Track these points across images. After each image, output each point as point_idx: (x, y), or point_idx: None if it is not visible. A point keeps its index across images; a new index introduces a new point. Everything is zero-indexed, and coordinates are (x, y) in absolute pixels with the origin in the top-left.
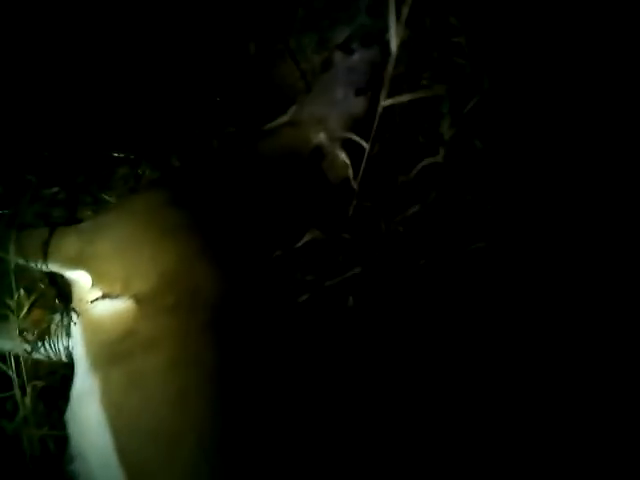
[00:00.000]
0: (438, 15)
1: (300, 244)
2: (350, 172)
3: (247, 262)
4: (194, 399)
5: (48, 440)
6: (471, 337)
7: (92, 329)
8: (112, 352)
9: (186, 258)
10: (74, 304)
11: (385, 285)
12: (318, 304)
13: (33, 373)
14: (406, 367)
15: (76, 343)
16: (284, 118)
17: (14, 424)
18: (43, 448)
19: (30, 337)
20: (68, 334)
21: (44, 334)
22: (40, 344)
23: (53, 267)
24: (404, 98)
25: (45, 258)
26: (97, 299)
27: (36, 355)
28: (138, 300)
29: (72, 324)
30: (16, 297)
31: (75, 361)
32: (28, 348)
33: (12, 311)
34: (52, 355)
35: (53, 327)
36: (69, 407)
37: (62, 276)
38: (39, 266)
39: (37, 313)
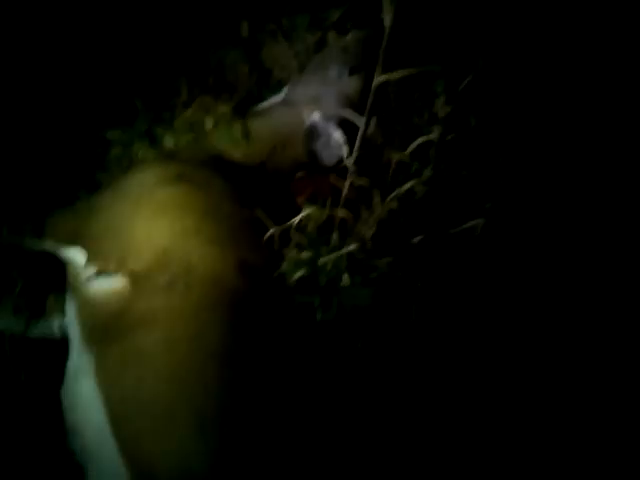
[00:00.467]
0: None
1: (295, 221)
2: (345, 150)
3: (242, 240)
4: (191, 376)
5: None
6: (466, 325)
7: (86, 307)
8: (107, 329)
9: (181, 237)
10: (68, 282)
11: (380, 263)
12: (312, 281)
13: (28, 350)
14: (400, 355)
15: (70, 320)
16: (277, 98)
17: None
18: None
19: (25, 313)
20: (62, 311)
21: (39, 311)
22: (35, 321)
23: (47, 245)
24: (398, 74)
25: (40, 236)
26: (91, 277)
27: (31, 333)
28: (133, 278)
29: (66, 301)
30: (10, 273)
31: (69, 338)
32: (22, 326)
33: (6, 287)
34: (46, 332)
35: (47, 305)
36: (64, 383)
37: (56, 254)
38: (33, 244)
39: (32, 289)
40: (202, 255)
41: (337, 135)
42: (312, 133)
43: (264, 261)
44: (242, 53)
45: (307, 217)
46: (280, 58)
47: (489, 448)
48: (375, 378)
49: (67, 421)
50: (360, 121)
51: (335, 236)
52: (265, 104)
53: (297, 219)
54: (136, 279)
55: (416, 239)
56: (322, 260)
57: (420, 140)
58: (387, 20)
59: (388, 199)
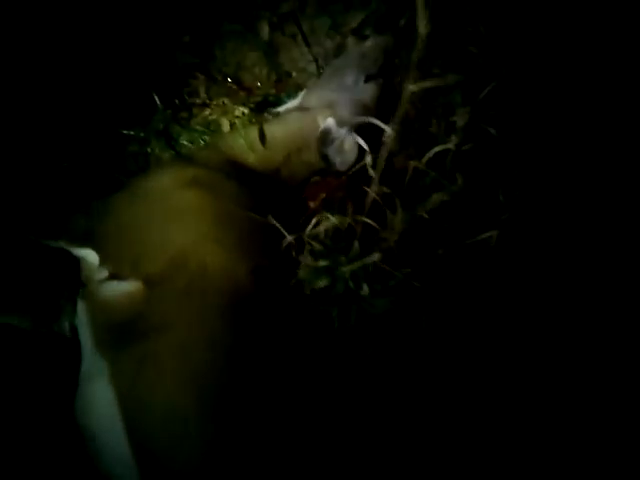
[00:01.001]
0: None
1: (312, 229)
2: (354, 156)
3: (257, 246)
4: (206, 381)
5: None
6: (479, 335)
7: (100, 308)
8: (121, 332)
9: (196, 242)
10: (81, 282)
11: (400, 274)
12: (331, 290)
13: (38, 349)
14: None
15: (82, 321)
16: (294, 102)
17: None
18: (46, 424)
19: (36, 312)
20: (74, 311)
21: (51, 310)
22: (46, 320)
23: (61, 244)
24: (430, 83)
25: (55, 235)
26: (105, 278)
27: (42, 331)
28: (147, 282)
29: (79, 302)
30: (25, 269)
31: (81, 340)
32: (34, 323)
33: (20, 283)
34: (57, 332)
35: (60, 304)
36: (76, 385)
37: (71, 253)
38: (49, 242)
39: (45, 288)
40: (218, 261)
41: (351, 140)
42: (326, 138)
43: (279, 267)
44: (261, 55)
45: (322, 223)
46: (298, 61)
47: (490, 448)
48: (384, 384)
49: (79, 424)
50: (385, 129)
51: (356, 245)
52: (281, 108)
53: (311, 225)
54: (151, 283)
55: (438, 251)
56: (342, 269)
57: (437, 149)
58: (421, 27)
59: (411, 210)
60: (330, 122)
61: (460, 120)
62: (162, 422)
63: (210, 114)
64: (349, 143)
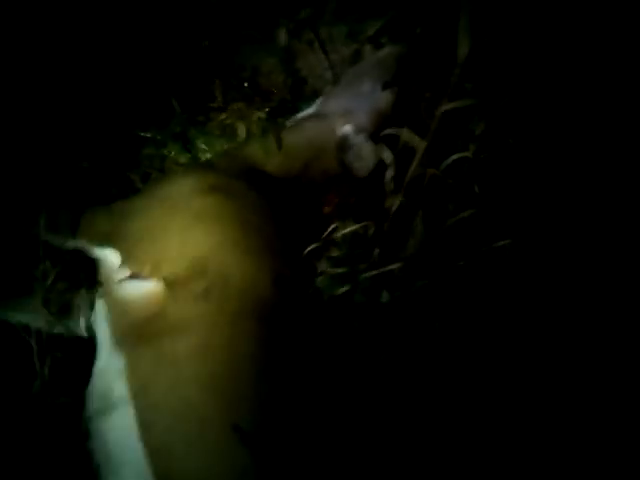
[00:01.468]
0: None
1: (330, 235)
2: (373, 162)
3: (277, 253)
4: (224, 384)
5: (63, 413)
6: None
7: (119, 308)
8: (140, 332)
9: (217, 247)
10: (99, 282)
11: (419, 282)
12: (351, 297)
13: (53, 345)
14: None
15: (100, 320)
16: (311, 109)
17: (30, 394)
18: (58, 420)
19: (53, 309)
20: (91, 310)
21: (67, 307)
22: (62, 317)
23: (82, 244)
24: (463, 103)
25: (74, 235)
26: (125, 279)
27: (57, 328)
28: (168, 283)
29: (97, 301)
30: (42, 267)
31: (97, 338)
32: (50, 319)
33: (37, 280)
34: (73, 329)
35: (77, 301)
36: (91, 383)
37: (90, 253)
38: (68, 243)
39: (62, 286)
40: (239, 266)
41: (369, 147)
42: (344, 144)
43: (298, 274)
44: (278, 61)
45: (339, 229)
46: (315, 68)
47: (490, 449)
48: (399, 390)
49: (89, 422)
50: (416, 141)
51: (377, 252)
52: (298, 115)
53: (328, 231)
54: (171, 285)
55: (458, 260)
56: (362, 276)
57: (455, 157)
58: (462, 49)
59: (431, 219)
60: (348, 129)
61: (478, 129)
62: (178, 422)
63: (226, 119)
64: (367, 150)
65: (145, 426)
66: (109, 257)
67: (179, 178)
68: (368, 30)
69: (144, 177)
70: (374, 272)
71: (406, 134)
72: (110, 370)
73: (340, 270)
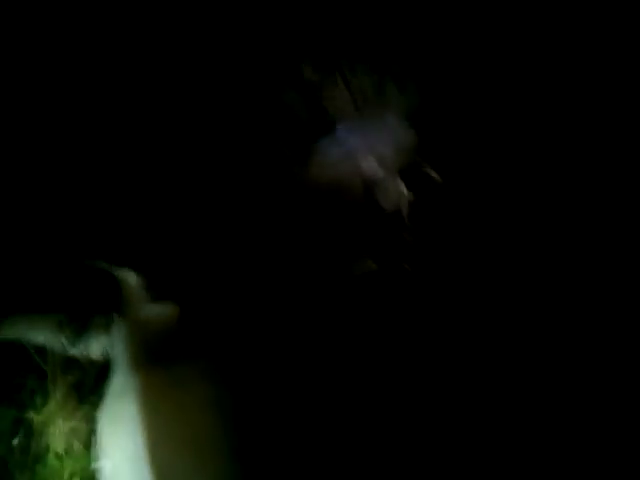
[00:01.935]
0: None
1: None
2: (404, 199)
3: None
4: (233, 409)
5: (74, 434)
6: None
7: (136, 328)
8: (155, 354)
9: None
10: (120, 304)
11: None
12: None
13: (66, 367)
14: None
15: (118, 341)
16: (335, 145)
17: (42, 416)
18: (69, 441)
19: (68, 331)
20: (106, 332)
21: (82, 329)
22: (77, 339)
23: (105, 265)
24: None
25: (101, 256)
26: (145, 301)
27: (71, 350)
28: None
29: (115, 323)
30: (60, 286)
31: (113, 359)
32: (65, 342)
33: (55, 299)
34: (87, 352)
35: (93, 324)
36: (104, 403)
37: (110, 275)
38: (93, 263)
39: (79, 306)
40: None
41: (394, 183)
42: (370, 180)
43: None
44: (301, 93)
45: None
46: (337, 100)
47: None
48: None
49: (100, 440)
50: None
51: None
52: (322, 148)
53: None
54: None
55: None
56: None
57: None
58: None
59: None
60: (373, 164)
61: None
62: (183, 447)
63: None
64: (392, 185)
65: (150, 447)
66: (132, 279)
67: None
68: (392, 66)
69: None
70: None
71: (427, 169)
72: (124, 390)
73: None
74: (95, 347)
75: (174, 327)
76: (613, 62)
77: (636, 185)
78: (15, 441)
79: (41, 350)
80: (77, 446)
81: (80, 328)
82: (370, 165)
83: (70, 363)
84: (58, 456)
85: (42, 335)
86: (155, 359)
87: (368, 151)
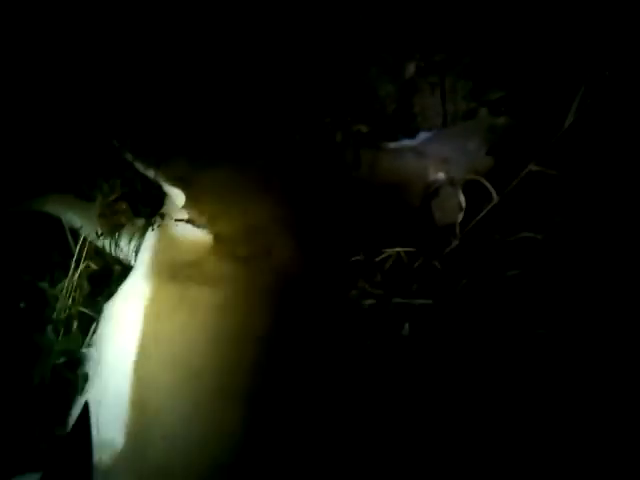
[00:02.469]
0: None
1: (379, 258)
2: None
3: (324, 249)
4: (228, 346)
5: (76, 318)
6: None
7: (166, 243)
8: (175, 271)
9: (272, 222)
10: (159, 215)
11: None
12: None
13: (92, 256)
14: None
15: (145, 248)
16: (411, 142)
17: (55, 291)
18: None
19: (105, 223)
20: (140, 238)
21: (119, 227)
22: (111, 234)
23: (159, 178)
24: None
25: (156, 170)
26: (182, 220)
27: (102, 243)
28: (217, 238)
29: (150, 230)
30: (110, 182)
31: (135, 263)
32: (99, 232)
33: (101, 192)
34: (115, 250)
35: (129, 225)
36: (111, 300)
37: (162, 187)
38: (148, 170)
39: (121, 206)
40: (284, 246)
41: (456, 201)
42: (433, 189)
43: (334, 274)
44: (396, 90)
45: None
46: (428, 110)
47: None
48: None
49: (96, 339)
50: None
51: (415, 287)
52: (397, 144)
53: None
54: (219, 240)
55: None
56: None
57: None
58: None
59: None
60: (442, 176)
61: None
62: (168, 368)
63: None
64: (453, 202)
65: (141, 354)
66: (177, 196)
67: (262, 164)
68: (490, 95)
69: None
70: (402, 300)
71: (485, 184)
72: (133, 293)
73: (375, 291)
74: (124, 247)
75: (203, 253)
76: None
77: None
78: (22, 304)
79: (75, 233)
80: (75, 329)
81: (117, 225)
82: (438, 177)
83: (97, 254)
84: (56, 330)
85: (79, 220)
86: (174, 277)
87: (440, 165)
